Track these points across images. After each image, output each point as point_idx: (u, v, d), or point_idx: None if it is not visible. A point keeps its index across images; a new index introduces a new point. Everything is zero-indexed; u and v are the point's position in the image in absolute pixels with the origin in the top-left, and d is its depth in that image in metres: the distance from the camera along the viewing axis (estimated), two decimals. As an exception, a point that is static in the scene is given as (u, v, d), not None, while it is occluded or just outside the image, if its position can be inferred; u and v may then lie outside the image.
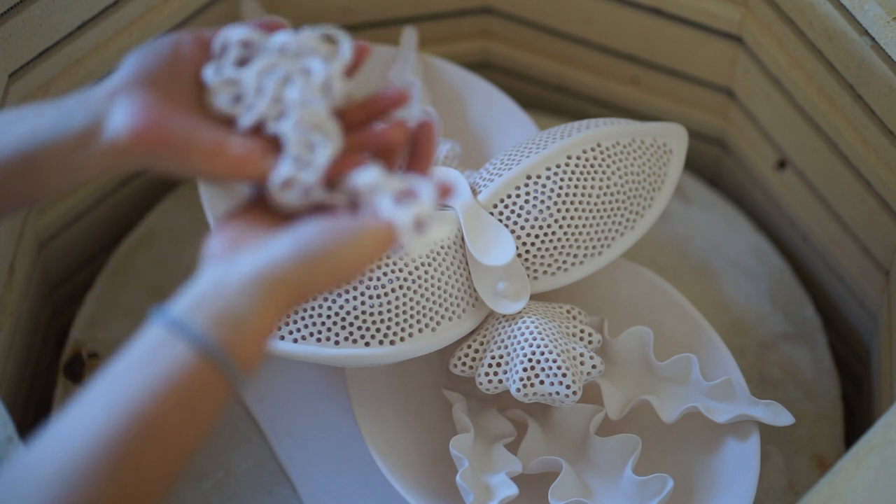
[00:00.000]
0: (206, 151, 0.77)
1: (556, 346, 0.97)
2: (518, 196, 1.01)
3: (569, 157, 1.01)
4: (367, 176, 0.77)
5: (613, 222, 1.02)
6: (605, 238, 1.02)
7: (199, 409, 0.71)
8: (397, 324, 0.96)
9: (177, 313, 0.72)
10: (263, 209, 0.79)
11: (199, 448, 0.72)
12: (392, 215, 0.76)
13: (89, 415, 0.69)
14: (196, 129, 0.77)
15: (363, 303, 0.95)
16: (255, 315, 0.72)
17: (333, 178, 0.78)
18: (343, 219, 0.76)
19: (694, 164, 1.26)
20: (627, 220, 1.03)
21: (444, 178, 0.81)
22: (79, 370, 1.11)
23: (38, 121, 0.75)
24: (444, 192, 0.78)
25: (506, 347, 0.98)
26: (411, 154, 0.81)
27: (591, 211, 1.01)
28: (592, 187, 1.01)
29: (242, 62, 0.80)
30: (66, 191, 0.78)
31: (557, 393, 0.96)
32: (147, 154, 0.76)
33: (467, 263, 0.99)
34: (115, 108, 0.76)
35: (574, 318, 1.01)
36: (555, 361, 0.96)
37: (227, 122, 0.79)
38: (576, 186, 1.01)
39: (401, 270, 0.96)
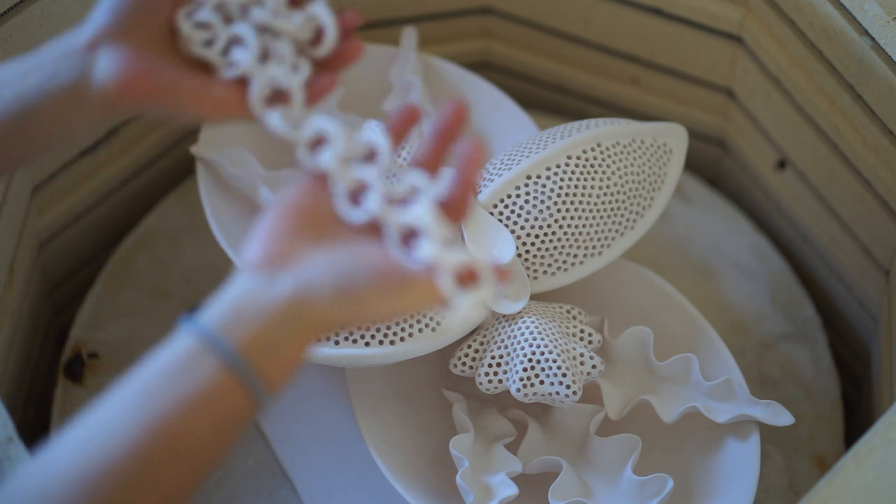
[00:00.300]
0: (192, 96, 0.77)
1: (556, 346, 0.97)
2: (518, 196, 1.01)
3: (569, 157, 1.01)
4: (419, 216, 0.74)
5: (613, 222, 1.02)
6: (605, 238, 1.02)
7: (225, 427, 0.70)
8: (397, 324, 0.96)
9: (211, 326, 0.71)
10: (310, 213, 0.76)
11: (218, 466, 0.71)
12: (436, 264, 0.73)
13: (113, 423, 0.69)
14: (181, 75, 0.77)
15: (363, 303, 0.95)
16: (287, 341, 0.71)
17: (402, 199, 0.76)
18: (392, 262, 0.73)
19: (694, 164, 1.26)
20: (627, 220, 1.03)
21: (500, 261, 0.77)
22: (79, 370, 1.11)
23: (22, 84, 0.75)
24: (501, 275, 0.74)
25: (506, 347, 0.98)
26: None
27: (591, 211, 1.01)
28: (592, 187, 1.01)
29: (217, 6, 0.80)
30: (61, 146, 0.79)
31: (557, 393, 0.96)
32: (137, 103, 0.76)
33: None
34: (99, 60, 0.76)
35: (574, 318, 1.01)
36: (555, 361, 0.96)
37: (202, 64, 0.79)
38: (576, 186, 1.01)
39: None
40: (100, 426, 0.68)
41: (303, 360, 0.73)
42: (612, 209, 1.02)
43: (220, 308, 0.72)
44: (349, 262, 0.73)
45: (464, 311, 0.73)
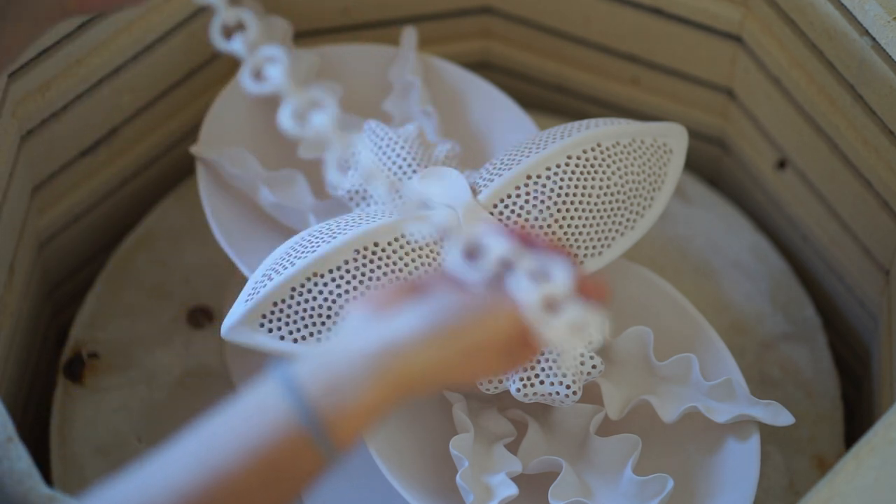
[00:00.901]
0: None
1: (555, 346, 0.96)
2: (518, 196, 1.01)
3: (569, 157, 1.01)
4: (501, 248, 0.72)
5: (613, 222, 1.02)
6: (605, 238, 1.02)
7: (286, 479, 0.69)
8: (397, 324, 0.96)
9: (296, 373, 0.70)
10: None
11: None
12: (520, 293, 0.70)
13: (177, 463, 0.68)
14: None
15: (363, 303, 0.95)
16: (361, 394, 0.69)
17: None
18: (477, 294, 0.71)
19: (694, 164, 1.26)
20: (627, 220, 1.03)
21: (598, 279, 0.74)
22: (79, 370, 1.11)
23: None
24: (597, 292, 0.72)
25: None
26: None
27: (591, 211, 1.01)
28: (592, 187, 1.01)
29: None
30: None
31: (557, 393, 0.96)
32: (90, 11, 0.82)
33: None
34: None
35: (574, 318, 1.01)
36: (555, 361, 0.96)
37: None
38: (576, 186, 1.01)
39: (401, 270, 0.96)
40: (164, 463, 0.68)
41: (381, 416, 0.71)
42: (612, 209, 1.02)
43: (313, 359, 0.71)
44: (432, 302, 0.71)
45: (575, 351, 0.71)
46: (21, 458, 0.84)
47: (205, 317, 1.15)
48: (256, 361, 1.10)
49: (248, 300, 0.96)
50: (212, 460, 0.68)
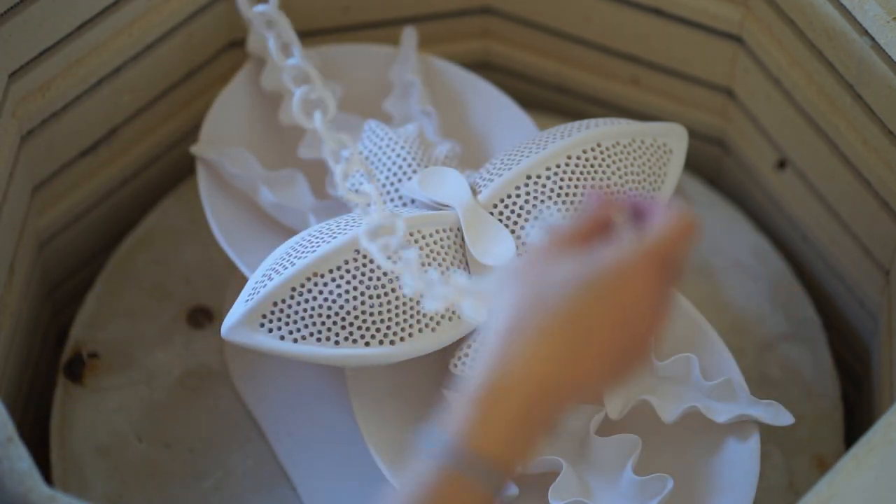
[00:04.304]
0: None
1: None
2: (518, 196, 1.01)
3: (569, 157, 1.01)
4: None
5: (613, 222, 1.02)
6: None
7: None
8: (397, 324, 0.96)
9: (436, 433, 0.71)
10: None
11: None
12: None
13: None
14: None
15: (363, 303, 0.95)
16: (490, 405, 0.70)
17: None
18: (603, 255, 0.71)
19: (694, 164, 1.26)
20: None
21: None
22: (79, 370, 1.11)
23: None
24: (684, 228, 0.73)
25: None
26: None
27: (591, 211, 1.01)
28: (592, 187, 1.01)
29: None
30: None
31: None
32: None
33: (467, 263, 0.99)
34: None
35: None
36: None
37: None
38: (576, 186, 1.01)
39: (401, 270, 0.96)
40: None
41: (538, 415, 0.70)
42: (612, 209, 1.02)
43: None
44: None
45: None
46: (21, 458, 0.84)
47: (205, 317, 1.15)
48: (256, 361, 1.10)
49: (248, 300, 0.96)
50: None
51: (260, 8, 1.07)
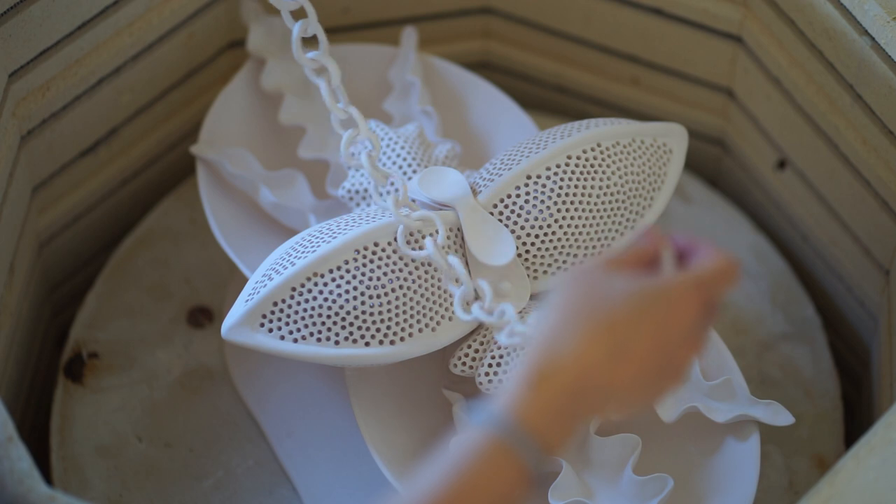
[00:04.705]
0: None
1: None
2: (518, 196, 1.01)
3: (569, 157, 1.01)
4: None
5: (613, 222, 1.02)
6: (605, 238, 1.02)
7: (490, 493, 0.73)
8: (397, 324, 0.96)
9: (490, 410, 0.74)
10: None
11: None
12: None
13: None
14: None
15: (363, 303, 0.95)
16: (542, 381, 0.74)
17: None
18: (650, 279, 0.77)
19: (694, 164, 1.26)
20: (627, 220, 1.03)
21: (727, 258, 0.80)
22: (79, 370, 1.11)
23: None
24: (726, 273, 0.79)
25: (506, 347, 0.98)
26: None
27: (591, 211, 1.01)
28: (592, 187, 1.01)
29: None
30: None
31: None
32: None
33: (468, 263, 0.99)
34: None
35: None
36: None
37: None
38: (576, 186, 1.01)
39: (401, 270, 0.96)
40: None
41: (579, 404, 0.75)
42: (612, 209, 1.02)
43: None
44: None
45: None
46: (21, 458, 0.84)
47: (205, 317, 1.15)
48: (256, 361, 1.10)
49: (248, 300, 0.96)
50: (417, 485, 0.72)
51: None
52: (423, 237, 0.96)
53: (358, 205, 1.05)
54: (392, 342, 0.96)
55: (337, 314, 0.95)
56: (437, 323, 0.98)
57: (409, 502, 0.72)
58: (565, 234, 1.01)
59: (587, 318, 0.75)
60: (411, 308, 0.96)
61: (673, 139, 1.05)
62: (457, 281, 0.95)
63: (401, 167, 1.04)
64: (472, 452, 0.73)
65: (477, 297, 0.95)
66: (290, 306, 0.95)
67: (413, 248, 0.95)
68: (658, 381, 0.77)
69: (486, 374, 0.98)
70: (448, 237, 0.98)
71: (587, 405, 0.75)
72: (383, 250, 0.96)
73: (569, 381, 0.74)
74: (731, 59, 1.18)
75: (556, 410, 0.74)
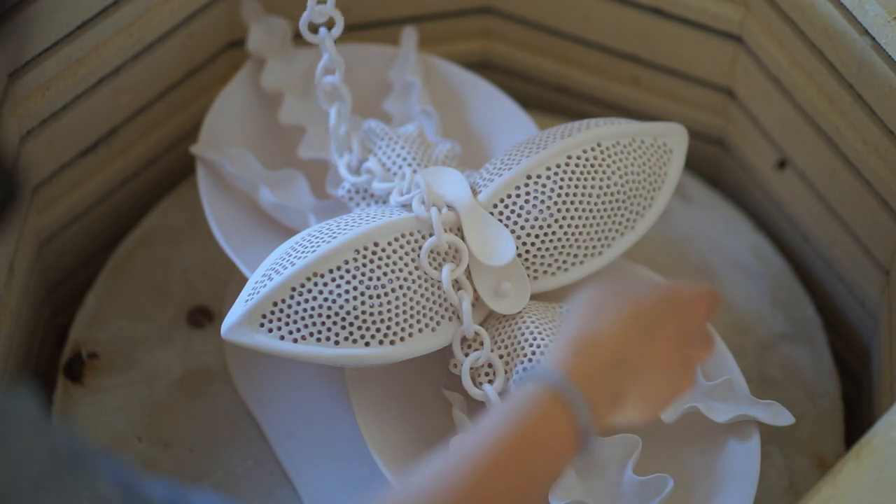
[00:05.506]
0: None
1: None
2: (518, 196, 1.01)
3: (569, 157, 1.01)
4: None
5: (613, 222, 1.02)
6: (605, 238, 1.02)
7: (543, 445, 0.75)
8: (397, 324, 0.96)
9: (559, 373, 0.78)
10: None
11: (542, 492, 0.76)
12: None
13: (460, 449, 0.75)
14: None
15: (363, 303, 0.95)
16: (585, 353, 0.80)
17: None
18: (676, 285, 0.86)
19: (694, 164, 1.26)
20: (627, 220, 1.03)
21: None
22: (79, 370, 1.11)
23: None
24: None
25: (506, 347, 0.98)
26: None
27: (591, 211, 1.01)
28: (592, 187, 1.01)
29: None
30: None
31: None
32: None
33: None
34: None
35: (574, 318, 1.01)
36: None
37: None
38: (576, 186, 1.01)
39: (401, 270, 0.96)
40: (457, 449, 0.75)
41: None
42: (612, 209, 1.02)
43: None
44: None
45: None
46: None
47: (205, 317, 1.15)
48: (256, 361, 1.10)
49: (248, 300, 0.96)
50: (473, 438, 0.75)
51: None
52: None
53: (358, 205, 1.05)
54: (392, 342, 0.96)
55: (337, 314, 0.95)
56: (437, 323, 0.97)
57: (469, 447, 0.74)
58: (565, 234, 1.01)
59: (616, 306, 0.81)
60: (411, 308, 0.96)
61: (673, 139, 1.05)
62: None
63: (401, 167, 1.04)
64: (528, 402, 0.76)
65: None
66: (289, 306, 0.95)
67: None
68: (676, 374, 0.83)
69: (486, 373, 0.98)
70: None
71: (621, 382, 0.80)
72: (383, 250, 0.96)
73: (606, 355, 0.79)
74: (731, 59, 1.18)
75: (597, 379, 0.78)
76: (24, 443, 0.63)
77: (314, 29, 1.07)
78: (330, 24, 1.06)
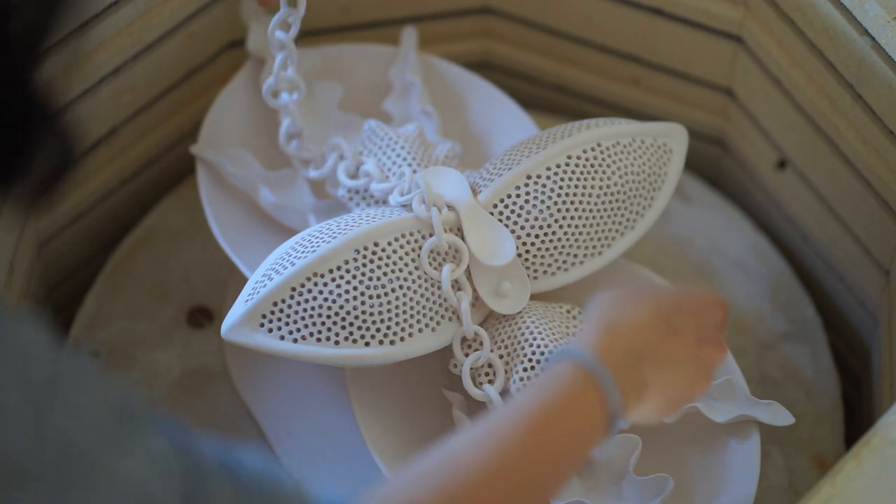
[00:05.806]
0: None
1: (556, 347, 0.97)
2: (518, 196, 1.01)
3: (569, 157, 1.01)
4: None
5: (613, 222, 1.02)
6: (605, 238, 1.02)
7: (574, 419, 0.77)
8: (397, 324, 0.96)
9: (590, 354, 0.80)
10: None
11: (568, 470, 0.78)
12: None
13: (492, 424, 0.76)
14: None
15: (363, 303, 0.95)
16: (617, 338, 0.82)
17: None
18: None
19: (694, 164, 1.26)
20: (627, 220, 1.03)
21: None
22: (79, 370, 1.11)
23: None
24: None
25: (506, 347, 0.98)
26: None
27: (591, 211, 1.01)
28: (592, 187, 1.01)
29: None
30: None
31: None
32: None
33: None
34: None
35: (574, 318, 1.01)
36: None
37: None
38: (576, 186, 1.01)
39: (401, 270, 0.96)
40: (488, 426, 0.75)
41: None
42: (612, 209, 1.02)
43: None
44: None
45: None
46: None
47: (205, 317, 1.15)
48: (256, 361, 1.10)
49: (248, 300, 0.96)
50: (501, 414, 0.76)
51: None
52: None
53: (358, 205, 1.05)
54: (392, 342, 0.96)
55: (337, 314, 0.95)
56: (437, 323, 0.97)
57: (498, 423, 0.74)
58: (565, 234, 1.01)
59: (637, 302, 0.84)
60: (411, 308, 0.96)
61: (673, 139, 1.05)
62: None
63: (400, 167, 1.04)
64: (559, 380, 0.77)
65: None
66: (289, 306, 0.95)
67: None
68: (696, 373, 0.85)
69: (487, 373, 0.98)
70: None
71: (645, 372, 0.81)
72: (383, 250, 0.96)
73: (632, 343, 0.81)
74: (731, 59, 1.18)
75: (624, 365, 0.79)
76: (86, 396, 0.63)
77: (277, 94, 1.09)
78: (292, 89, 1.08)
